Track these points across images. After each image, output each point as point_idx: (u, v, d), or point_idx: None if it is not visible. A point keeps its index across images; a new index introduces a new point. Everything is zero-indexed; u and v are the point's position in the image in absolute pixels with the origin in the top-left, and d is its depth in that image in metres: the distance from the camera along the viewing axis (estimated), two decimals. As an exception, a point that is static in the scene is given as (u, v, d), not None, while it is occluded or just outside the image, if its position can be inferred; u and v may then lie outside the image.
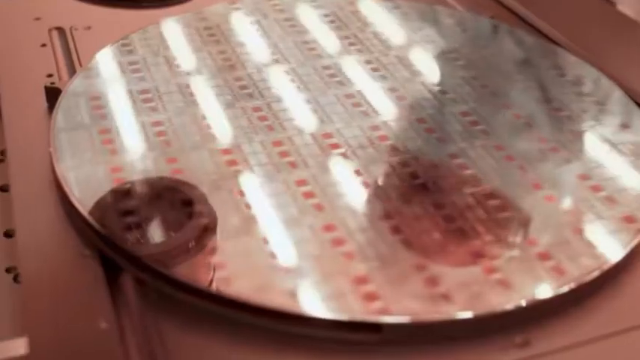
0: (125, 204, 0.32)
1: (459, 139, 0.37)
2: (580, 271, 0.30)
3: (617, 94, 0.40)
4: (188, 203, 0.32)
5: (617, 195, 0.34)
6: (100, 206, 0.31)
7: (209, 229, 0.31)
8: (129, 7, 0.49)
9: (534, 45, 0.45)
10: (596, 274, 0.30)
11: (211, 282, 0.29)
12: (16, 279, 0.33)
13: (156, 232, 0.31)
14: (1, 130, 0.38)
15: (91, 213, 0.31)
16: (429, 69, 0.43)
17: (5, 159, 0.36)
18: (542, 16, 0.48)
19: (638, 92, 0.40)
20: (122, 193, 0.33)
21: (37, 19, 0.47)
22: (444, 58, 0.44)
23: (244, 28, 0.46)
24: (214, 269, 0.29)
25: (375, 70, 0.42)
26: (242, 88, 0.40)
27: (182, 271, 0.29)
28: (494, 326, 0.28)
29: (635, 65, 0.43)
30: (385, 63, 0.43)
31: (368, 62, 0.43)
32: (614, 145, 0.37)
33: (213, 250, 0.30)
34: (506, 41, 0.46)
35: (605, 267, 0.30)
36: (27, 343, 0.27)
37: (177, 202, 0.32)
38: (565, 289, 0.29)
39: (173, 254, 0.30)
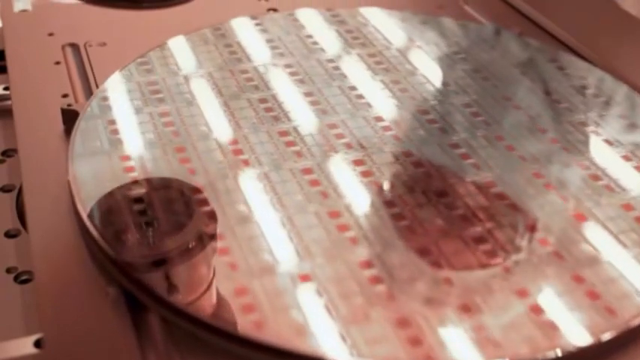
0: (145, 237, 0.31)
1: (461, 130, 0.38)
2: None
3: (630, 94, 0.41)
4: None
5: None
6: (118, 238, 0.31)
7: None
8: (129, 8, 0.49)
9: (540, 47, 0.46)
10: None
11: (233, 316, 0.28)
12: (16, 279, 0.33)
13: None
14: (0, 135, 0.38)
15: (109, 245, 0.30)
16: (431, 63, 0.44)
17: (5, 160, 0.36)
18: (562, 26, 0.48)
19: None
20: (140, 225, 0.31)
21: (51, 34, 0.46)
22: (448, 54, 0.45)
23: (249, 27, 0.47)
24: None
25: (378, 63, 0.43)
26: (248, 81, 0.41)
27: (205, 310, 0.28)
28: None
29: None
30: (388, 56, 0.44)
31: (371, 56, 0.44)
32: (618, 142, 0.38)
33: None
34: (511, 44, 0.46)
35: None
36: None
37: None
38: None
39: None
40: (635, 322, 0.28)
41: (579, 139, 0.38)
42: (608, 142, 0.38)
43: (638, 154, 0.37)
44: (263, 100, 0.39)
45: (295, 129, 0.37)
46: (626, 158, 0.36)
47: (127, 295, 0.29)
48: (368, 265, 0.30)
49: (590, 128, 0.39)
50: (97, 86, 0.41)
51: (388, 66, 0.43)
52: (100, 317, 0.28)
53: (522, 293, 0.29)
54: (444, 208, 0.33)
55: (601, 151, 0.37)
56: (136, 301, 0.29)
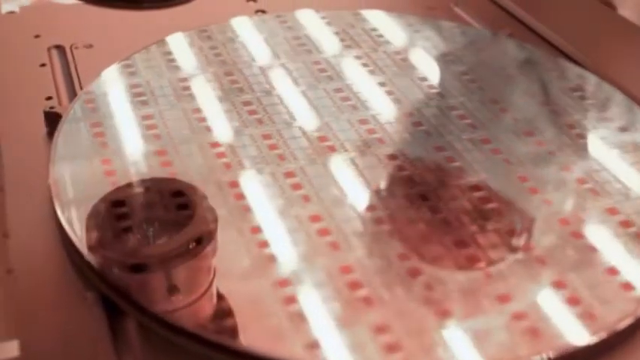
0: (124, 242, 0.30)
1: (446, 132, 0.37)
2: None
3: (618, 97, 0.41)
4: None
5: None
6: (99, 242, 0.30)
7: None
8: (129, 9, 0.49)
9: (534, 50, 0.45)
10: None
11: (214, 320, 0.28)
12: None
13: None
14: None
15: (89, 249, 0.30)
16: (418, 65, 0.43)
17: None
18: (555, 29, 0.47)
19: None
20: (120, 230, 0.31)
21: (37, 36, 0.45)
22: (438, 56, 0.45)
23: (237, 27, 0.47)
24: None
25: (364, 65, 0.43)
26: (232, 83, 0.41)
27: (182, 317, 0.28)
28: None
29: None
30: (374, 59, 0.44)
31: (357, 58, 0.44)
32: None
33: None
34: (507, 47, 0.46)
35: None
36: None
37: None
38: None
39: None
40: (619, 326, 0.28)
41: (566, 142, 0.37)
42: (594, 145, 0.37)
43: (625, 158, 0.36)
44: (247, 103, 0.39)
45: (279, 132, 0.37)
46: (612, 162, 0.36)
47: (105, 300, 0.29)
48: (348, 269, 0.30)
49: (577, 131, 0.38)
50: (82, 88, 0.40)
51: (374, 68, 0.43)
52: (77, 322, 0.28)
53: (504, 298, 0.29)
54: (427, 212, 0.33)
55: (587, 155, 0.37)
56: (114, 307, 0.28)
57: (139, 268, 0.29)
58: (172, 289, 0.29)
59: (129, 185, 0.33)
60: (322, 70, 0.42)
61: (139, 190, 0.33)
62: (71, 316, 0.28)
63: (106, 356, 0.26)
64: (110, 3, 0.49)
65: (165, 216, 0.31)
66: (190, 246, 0.30)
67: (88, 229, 0.30)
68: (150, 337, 0.28)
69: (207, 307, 0.29)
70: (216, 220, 0.31)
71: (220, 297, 0.29)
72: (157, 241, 0.31)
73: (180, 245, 0.29)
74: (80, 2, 0.49)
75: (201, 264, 0.30)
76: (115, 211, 0.31)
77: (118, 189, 0.32)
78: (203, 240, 0.30)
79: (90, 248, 0.30)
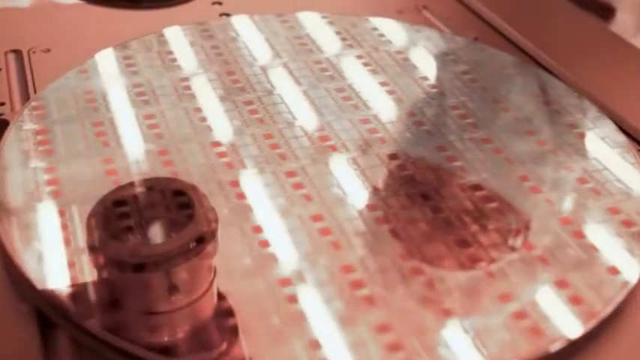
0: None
1: (448, 132, 0.37)
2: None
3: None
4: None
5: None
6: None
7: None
8: (128, 8, 0.48)
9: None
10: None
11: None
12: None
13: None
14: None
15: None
16: (420, 64, 0.43)
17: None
18: (525, 34, 0.47)
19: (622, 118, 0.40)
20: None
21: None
22: (438, 55, 0.45)
23: (237, 26, 0.46)
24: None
25: (366, 65, 0.43)
26: (234, 82, 0.41)
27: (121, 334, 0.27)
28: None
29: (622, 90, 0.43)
30: (376, 58, 0.44)
31: (359, 57, 0.44)
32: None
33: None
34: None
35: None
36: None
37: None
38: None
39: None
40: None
41: (567, 141, 0.37)
42: (595, 145, 0.37)
43: (626, 158, 0.36)
44: (248, 103, 0.39)
45: (280, 131, 0.37)
46: (614, 162, 0.36)
47: (39, 314, 0.28)
48: (350, 269, 0.30)
49: (578, 130, 0.38)
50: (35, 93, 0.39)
51: (376, 67, 0.43)
52: (8, 334, 0.27)
53: (505, 297, 0.29)
54: (428, 211, 0.33)
55: (589, 154, 0.37)
56: (49, 321, 0.28)
57: (139, 268, 0.29)
58: (173, 289, 0.29)
59: (130, 185, 0.33)
60: (323, 70, 0.42)
61: (139, 189, 0.33)
62: (3, 329, 0.28)
63: None
64: (111, 3, 0.49)
65: (165, 215, 0.31)
66: (191, 245, 0.30)
67: (88, 229, 0.30)
68: (82, 352, 0.27)
69: (208, 307, 0.29)
70: (217, 220, 0.31)
71: (221, 296, 0.29)
72: (157, 240, 0.31)
73: (180, 245, 0.29)
74: (82, 2, 0.49)
75: (201, 263, 0.30)
76: (115, 211, 0.31)
77: (119, 188, 0.32)
78: (204, 239, 0.30)
79: (90, 248, 0.30)
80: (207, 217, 0.31)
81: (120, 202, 0.31)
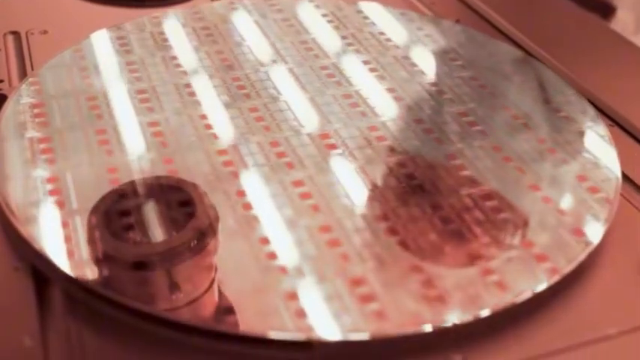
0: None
1: (457, 140, 0.37)
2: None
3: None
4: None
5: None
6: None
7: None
8: (130, 6, 0.48)
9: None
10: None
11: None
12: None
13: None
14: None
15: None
16: (427, 69, 0.43)
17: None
18: (507, 18, 0.48)
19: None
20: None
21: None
22: (443, 58, 0.44)
23: (242, 27, 0.46)
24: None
25: (373, 70, 0.42)
26: (239, 89, 0.40)
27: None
28: (428, 344, 0.27)
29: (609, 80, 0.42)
30: (383, 63, 0.43)
31: (366, 63, 0.43)
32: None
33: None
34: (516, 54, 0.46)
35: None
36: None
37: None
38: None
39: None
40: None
41: (567, 140, 0.37)
42: (595, 144, 0.37)
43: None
44: (254, 109, 0.39)
45: (287, 139, 0.36)
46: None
47: (35, 271, 0.29)
48: (360, 281, 0.29)
49: (577, 127, 0.38)
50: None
51: (383, 73, 0.42)
52: (6, 289, 0.29)
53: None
54: (438, 222, 0.32)
55: (588, 154, 0.36)
56: (46, 278, 0.29)
57: (140, 266, 0.29)
58: (174, 287, 0.29)
59: (131, 184, 0.33)
60: (329, 76, 0.42)
61: (140, 188, 0.33)
62: (1, 284, 0.29)
63: (29, 321, 0.27)
64: (113, 2, 0.48)
65: (166, 213, 0.31)
66: (192, 243, 0.30)
67: (89, 228, 0.31)
68: (76, 307, 0.28)
69: (210, 304, 0.29)
70: (217, 217, 0.31)
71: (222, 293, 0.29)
72: (159, 238, 0.30)
73: (181, 242, 0.29)
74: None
75: (203, 261, 0.30)
76: (117, 209, 0.31)
77: (120, 188, 0.33)
78: (204, 237, 0.30)
79: (91, 247, 0.30)
80: (208, 215, 0.31)
81: (121, 201, 0.32)
